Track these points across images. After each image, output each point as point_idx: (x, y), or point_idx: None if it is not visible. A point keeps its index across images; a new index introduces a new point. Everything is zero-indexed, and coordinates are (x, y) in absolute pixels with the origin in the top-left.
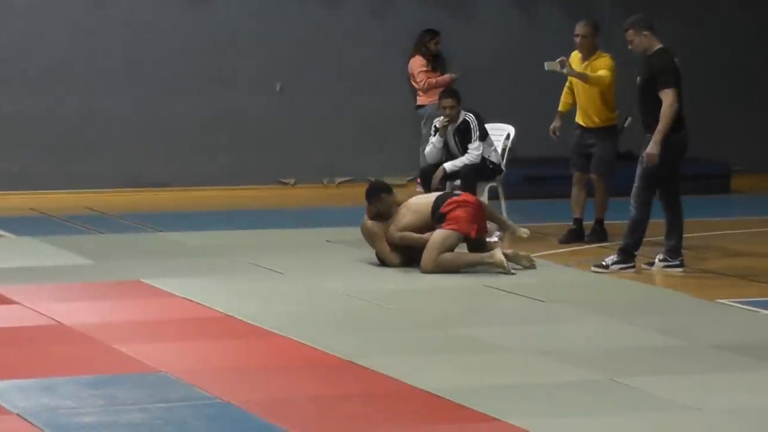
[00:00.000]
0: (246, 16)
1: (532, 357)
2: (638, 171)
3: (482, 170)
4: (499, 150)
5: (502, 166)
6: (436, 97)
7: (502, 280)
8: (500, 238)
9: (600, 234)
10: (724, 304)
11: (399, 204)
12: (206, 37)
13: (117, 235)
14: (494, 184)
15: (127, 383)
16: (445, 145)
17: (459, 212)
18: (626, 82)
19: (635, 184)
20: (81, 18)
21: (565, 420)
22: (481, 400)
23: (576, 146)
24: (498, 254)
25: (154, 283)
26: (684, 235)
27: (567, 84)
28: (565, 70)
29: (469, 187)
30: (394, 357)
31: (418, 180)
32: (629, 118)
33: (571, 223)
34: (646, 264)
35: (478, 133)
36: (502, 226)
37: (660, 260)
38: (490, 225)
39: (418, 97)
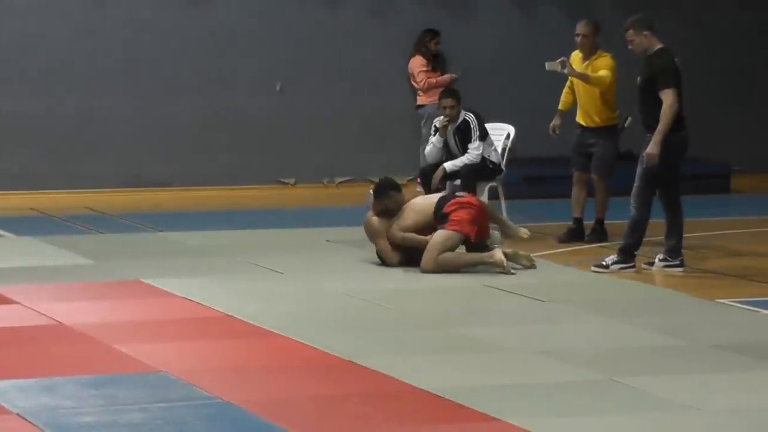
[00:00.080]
0: (246, 16)
1: (532, 357)
2: (638, 171)
3: (482, 170)
4: (499, 150)
5: (502, 166)
6: (436, 97)
7: (502, 280)
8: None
9: (600, 234)
10: (724, 304)
11: (404, 203)
12: (206, 37)
13: (117, 235)
14: (494, 183)
15: (127, 383)
16: (445, 144)
17: (461, 213)
18: (626, 82)
19: (635, 184)
20: (81, 18)
21: (565, 420)
22: (481, 400)
23: (576, 146)
24: (498, 254)
25: (154, 283)
26: (684, 235)
27: (568, 83)
28: (565, 71)
29: (469, 186)
30: (394, 357)
31: (418, 180)
32: (629, 118)
33: (571, 223)
34: (646, 264)
35: (478, 133)
36: (503, 227)
37: (660, 260)
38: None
39: (418, 97)
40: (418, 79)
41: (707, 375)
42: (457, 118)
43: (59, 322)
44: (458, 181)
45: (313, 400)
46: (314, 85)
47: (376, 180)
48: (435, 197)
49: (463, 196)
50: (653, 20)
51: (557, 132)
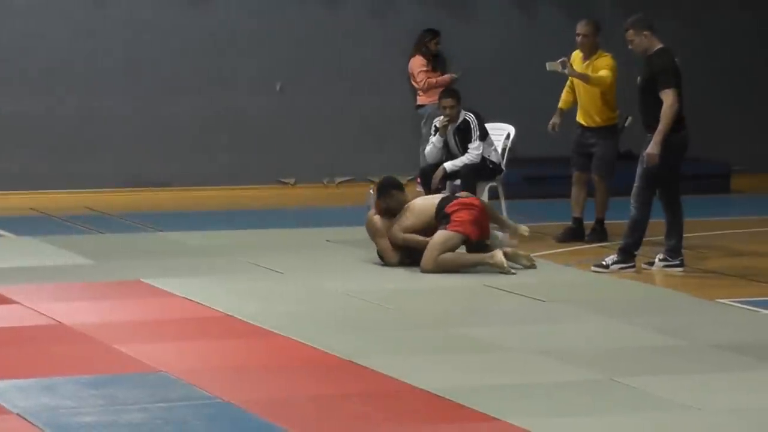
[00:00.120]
0: (246, 16)
1: (532, 357)
2: (638, 171)
3: (482, 170)
4: (499, 150)
5: (502, 166)
6: (436, 97)
7: (502, 280)
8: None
9: (600, 234)
10: (724, 303)
11: (407, 203)
12: (206, 37)
13: (117, 235)
14: (494, 183)
15: (127, 383)
16: (445, 144)
17: (463, 214)
18: (626, 82)
19: (635, 184)
20: (81, 18)
21: (565, 420)
22: (482, 400)
23: (576, 145)
24: (498, 255)
25: (154, 283)
26: (684, 235)
27: (568, 83)
28: (566, 71)
29: (469, 186)
30: (394, 357)
31: (418, 180)
32: (629, 118)
33: (570, 222)
34: (646, 264)
35: (478, 133)
36: (503, 226)
37: (660, 260)
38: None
39: (418, 97)
40: (418, 79)
41: (707, 375)
42: (457, 118)
43: (59, 322)
44: (458, 181)
45: (313, 400)
46: (314, 85)
47: (376, 180)
48: (436, 197)
49: (465, 197)
50: (653, 20)
51: (557, 129)
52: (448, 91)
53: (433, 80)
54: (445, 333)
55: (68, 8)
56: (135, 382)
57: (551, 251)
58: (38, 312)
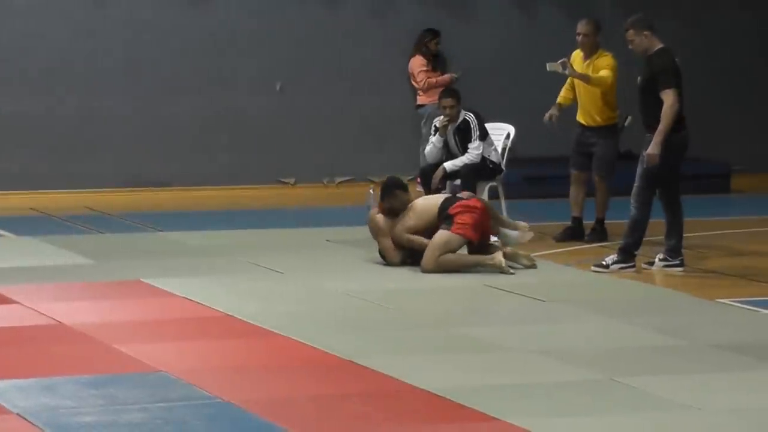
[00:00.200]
0: (246, 16)
1: (532, 357)
2: (639, 170)
3: (482, 170)
4: (499, 150)
5: (502, 166)
6: (436, 97)
7: (503, 280)
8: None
9: (600, 233)
10: (724, 303)
11: (410, 202)
12: (206, 37)
13: (117, 235)
14: (494, 183)
15: (127, 383)
16: (445, 144)
17: (466, 217)
18: (626, 82)
19: (636, 184)
20: (81, 18)
21: (566, 419)
22: (482, 400)
23: (576, 145)
24: (498, 257)
25: (154, 283)
26: (684, 235)
27: (568, 81)
28: (566, 71)
29: (470, 186)
30: (394, 357)
31: (418, 180)
32: (629, 117)
33: (570, 222)
34: (646, 264)
35: (478, 133)
36: (504, 227)
37: (660, 260)
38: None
39: (418, 97)
40: (418, 79)
41: (707, 375)
42: (457, 117)
43: (59, 322)
44: (458, 181)
45: (313, 400)
46: (314, 85)
47: (376, 180)
48: (439, 197)
49: (468, 199)
50: (653, 20)
51: (554, 121)
52: (448, 90)
53: (433, 80)
54: (445, 333)
55: (68, 8)
56: (135, 382)
57: (551, 251)
58: (38, 312)
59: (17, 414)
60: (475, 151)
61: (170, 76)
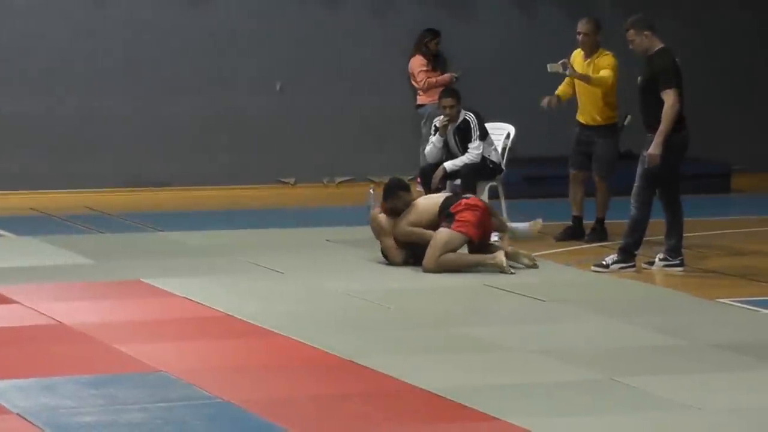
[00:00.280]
0: (246, 16)
1: (532, 356)
2: (639, 170)
3: (482, 170)
4: (500, 149)
5: (502, 166)
6: (436, 97)
7: (503, 280)
8: (500, 238)
9: (600, 233)
10: (724, 303)
11: (412, 202)
12: (206, 37)
13: (117, 235)
14: (494, 183)
15: (127, 383)
16: (445, 144)
17: (468, 215)
18: (627, 82)
19: (636, 184)
20: (81, 18)
21: (566, 419)
22: (482, 400)
23: (576, 144)
24: (500, 256)
25: (154, 283)
26: (684, 235)
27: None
28: (567, 72)
29: (470, 186)
30: (394, 356)
31: (418, 179)
32: (629, 117)
33: (570, 222)
34: (646, 263)
35: (478, 133)
36: (502, 230)
37: (660, 260)
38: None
39: (418, 97)
40: (418, 79)
41: (707, 374)
42: (457, 117)
43: (59, 322)
44: (458, 181)
45: (313, 399)
46: (314, 85)
47: (376, 180)
48: (439, 197)
49: (469, 198)
50: (654, 20)
51: (553, 105)
52: (448, 90)
53: (433, 80)
54: (445, 333)
55: (68, 8)
56: (135, 382)
57: (551, 251)
58: (38, 312)
59: (17, 414)
60: (475, 151)
61: (170, 76)
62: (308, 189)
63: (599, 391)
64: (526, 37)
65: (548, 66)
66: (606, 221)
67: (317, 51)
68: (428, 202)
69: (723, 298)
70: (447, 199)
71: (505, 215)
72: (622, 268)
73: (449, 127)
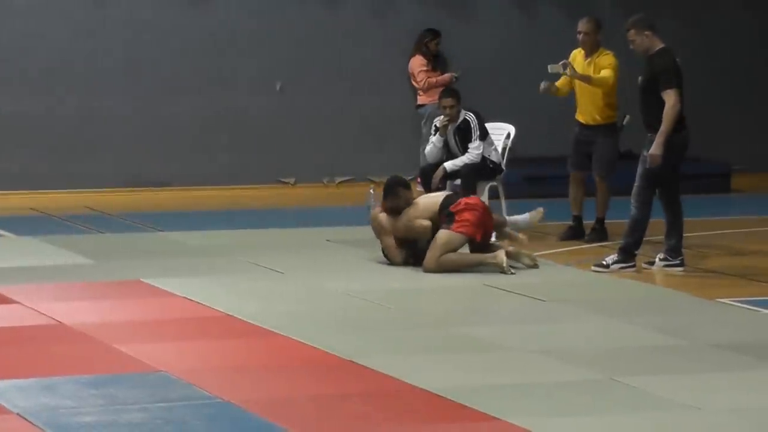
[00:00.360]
0: (246, 16)
1: (532, 356)
2: (639, 170)
3: (482, 170)
4: (500, 149)
5: (503, 166)
6: (437, 97)
7: (503, 280)
8: (498, 238)
9: (600, 233)
10: (724, 303)
11: (413, 200)
12: (206, 37)
13: (117, 235)
14: (494, 183)
15: (127, 383)
16: (446, 144)
17: (467, 215)
18: (627, 82)
19: (636, 184)
20: (81, 18)
21: (566, 419)
22: (482, 400)
23: (575, 144)
24: (500, 255)
25: (154, 283)
26: (684, 235)
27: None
28: (568, 72)
29: (470, 186)
30: (394, 356)
31: (418, 179)
32: (627, 116)
33: (571, 221)
34: (646, 263)
35: (478, 133)
36: (502, 226)
37: (660, 259)
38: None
39: (418, 97)
40: (418, 79)
41: (707, 374)
42: (457, 117)
43: (59, 322)
44: (458, 181)
45: (313, 399)
46: (314, 85)
47: (377, 180)
48: (440, 195)
49: (469, 197)
50: (655, 20)
51: (550, 92)
52: (448, 90)
53: (433, 80)
54: (445, 333)
55: (68, 8)
56: (135, 382)
57: (551, 251)
58: (38, 312)
59: (17, 414)
60: (475, 150)
61: (170, 76)
62: (308, 189)
63: (599, 391)
64: (526, 37)
65: (549, 66)
66: (606, 221)
67: (317, 51)
68: (429, 201)
69: (723, 298)
70: (447, 198)
71: (505, 215)
72: (622, 268)
73: (449, 127)
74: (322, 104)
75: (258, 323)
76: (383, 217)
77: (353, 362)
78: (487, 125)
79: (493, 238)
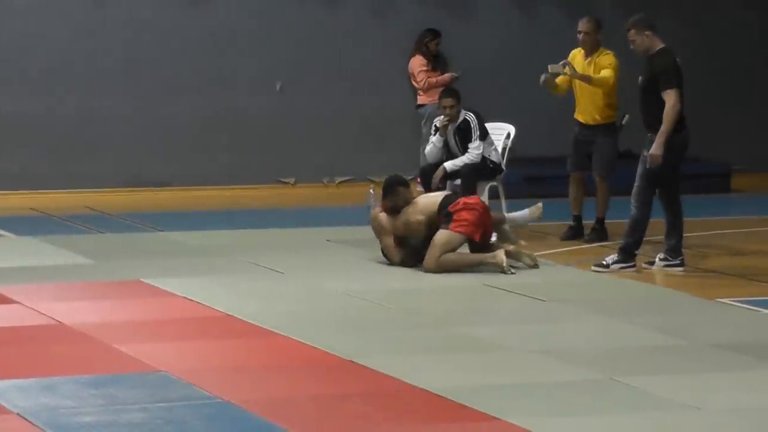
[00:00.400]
0: (246, 16)
1: (532, 356)
2: (639, 170)
3: (482, 169)
4: (500, 149)
5: (503, 166)
6: (437, 97)
7: (503, 280)
8: (499, 238)
9: (600, 233)
10: (724, 303)
11: (412, 198)
12: (206, 37)
13: (117, 235)
14: (494, 183)
15: (127, 383)
16: (446, 144)
17: (466, 214)
18: (627, 82)
19: (636, 184)
20: (81, 18)
21: (566, 419)
22: (482, 400)
23: (576, 144)
24: (500, 255)
25: (154, 283)
26: (684, 235)
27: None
28: (568, 72)
29: (470, 186)
30: (394, 356)
31: (418, 179)
32: (626, 116)
33: (571, 221)
34: (646, 263)
35: (478, 133)
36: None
37: (660, 259)
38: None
39: (418, 97)
40: (418, 79)
41: (707, 374)
42: (457, 117)
43: (59, 322)
44: (458, 181)
45: (313, 399)
46: (314, 85)
47: (376, 180)
48: (438, 195)
49: (468, 197)
50: (655, 20)
51: (548, 85)
52: (448, 90)
53: (434, 80)
54: (445, 333)
55: (68, 8)
56: (135, 382)
57: (552, 251)
58: (38, 312)
59: (17, 414)
60: (475, 150)
61: (170, 76)
62: (308, 189)
63: (599, 391)
64: (526, 37)
65: (549, 66)
66: (606, 221)
67: (317, 51)
68: (428, 200)
69: (723, 298)
70: (446, 197)
71: (504, 212)
72: (622, 268)
73: (449, 127)
74: (322, 104)
75: (258, 323)
76: (383, 216)
77: (353, 362)
78: (487, 125)
79: (494, 238)
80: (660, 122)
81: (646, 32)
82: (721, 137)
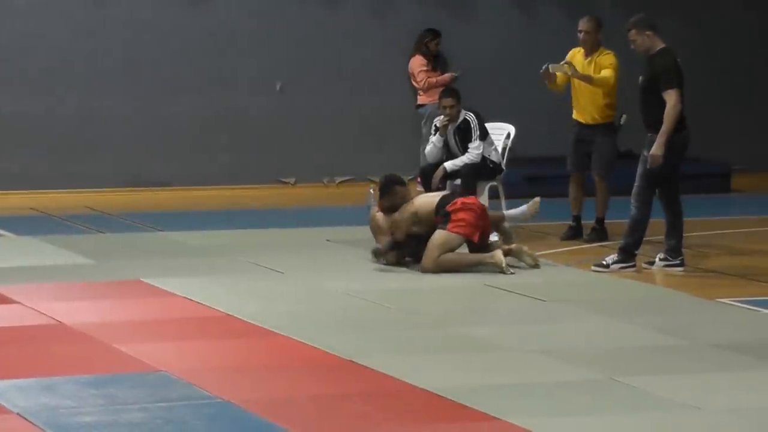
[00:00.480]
0: (246, 16)
1: (532, 356)
2: (639, 170)
3: (482, 169)
4: (500, 149)
5: (503, 166)
6: (437, 97)
7: (503, 280)
8: (500, 238)
9: (600, 233)
10: (724, 303)
11: (410, 198)
12: (206, 37)
13: (117, 235)
14: (495, 183)
15: (127, 383)
16: (446, 144)
17: (463, 215)
18: (627, 82)
19: (636, 184)
20: (81, 18)
21: (566, 419)
22: (482, 400)
23: (575, 143)
24: (498, 255)
25: (154, 283)
26: (684, 235)
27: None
28: (569, 72)
29: (470, 186)
30: (394, 356)
31: (418, 179)
32: (624, 116)
33: (571, 221)
34: (646, 263)
35: (478, 133)
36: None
37: (660, 259)
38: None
39: (418, 97)
40: (418, 79)
41: (707, 374)
42: (457, 117)
43: (59, 322)
44: (458, 181)
45: (313, 399)
46: (314, 85)
47: (376, 180)
48: (437, 195)
49: (465, 197)
50: (655, 20)
51: (547, 80)
52: (448, 90)
53: (434, 80)
54: (445, 333)
55: (68, 8)
56: (135, 382)
57: (551, 251)
58: (38, 312)
59: (17, 414)
60: (475, 150)
61: (170, 76)
62: (308, 189)
63: (599, 391)
64: (526, 37)
65: (549, 66)
66: (606, 221)
67: (317, 51)
68: (426, 200)
69: (723, 298)
70: (444, 197)
71: (503, 210)
72: (622, 267)
73: (449, 127)
74: (322, 104)
75: (258, 323)
76: (380, 216)
77: (353, 362)
78: (487, 125)
79: (494, 237)
80: (660, 122)
81: (647, 32)
82: (721, 137)
